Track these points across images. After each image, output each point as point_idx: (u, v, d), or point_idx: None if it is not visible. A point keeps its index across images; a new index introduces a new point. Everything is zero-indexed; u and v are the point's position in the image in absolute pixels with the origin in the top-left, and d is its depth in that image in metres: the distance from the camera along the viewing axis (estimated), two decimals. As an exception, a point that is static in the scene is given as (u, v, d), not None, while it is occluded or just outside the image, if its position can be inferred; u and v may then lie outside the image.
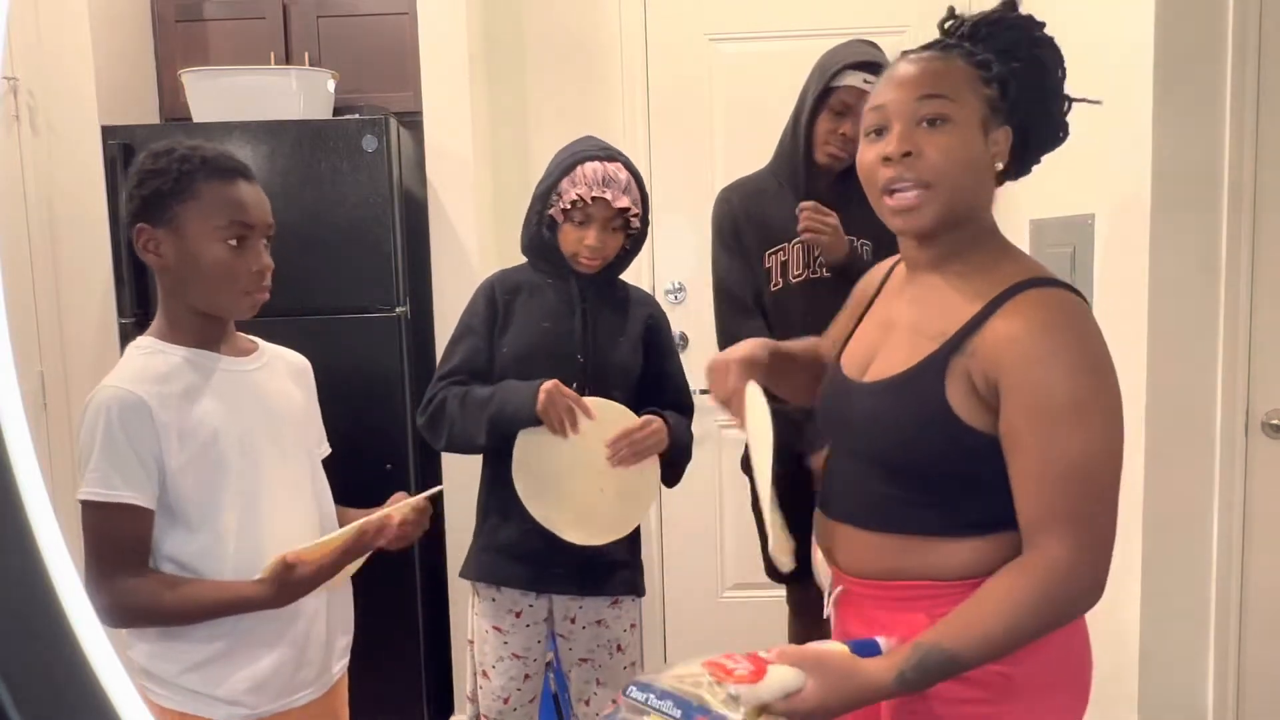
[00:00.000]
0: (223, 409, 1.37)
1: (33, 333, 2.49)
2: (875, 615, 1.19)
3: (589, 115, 2.99)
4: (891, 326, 1.24)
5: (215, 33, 2.81)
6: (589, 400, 1.75)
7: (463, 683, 2.77)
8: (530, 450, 1.74)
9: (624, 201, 1.79)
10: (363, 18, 2.79)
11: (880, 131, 1.16)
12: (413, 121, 2.71)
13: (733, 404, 1.36)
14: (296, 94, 2.57)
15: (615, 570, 1.92)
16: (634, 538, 1.96)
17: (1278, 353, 1.95)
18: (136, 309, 2.43)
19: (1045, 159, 1.30)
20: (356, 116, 2.54)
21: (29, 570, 0.40)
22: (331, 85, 2.65)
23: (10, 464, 0.40)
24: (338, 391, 2.54)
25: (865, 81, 2.06)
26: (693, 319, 3.01)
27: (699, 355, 3.02)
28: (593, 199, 1.78)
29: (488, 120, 2.89)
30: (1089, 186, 2.21)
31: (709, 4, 2.97)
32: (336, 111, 2.69)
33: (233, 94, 2.54)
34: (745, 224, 2.23)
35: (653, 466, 1.85)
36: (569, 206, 1.80)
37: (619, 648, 1.95)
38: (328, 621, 1.46)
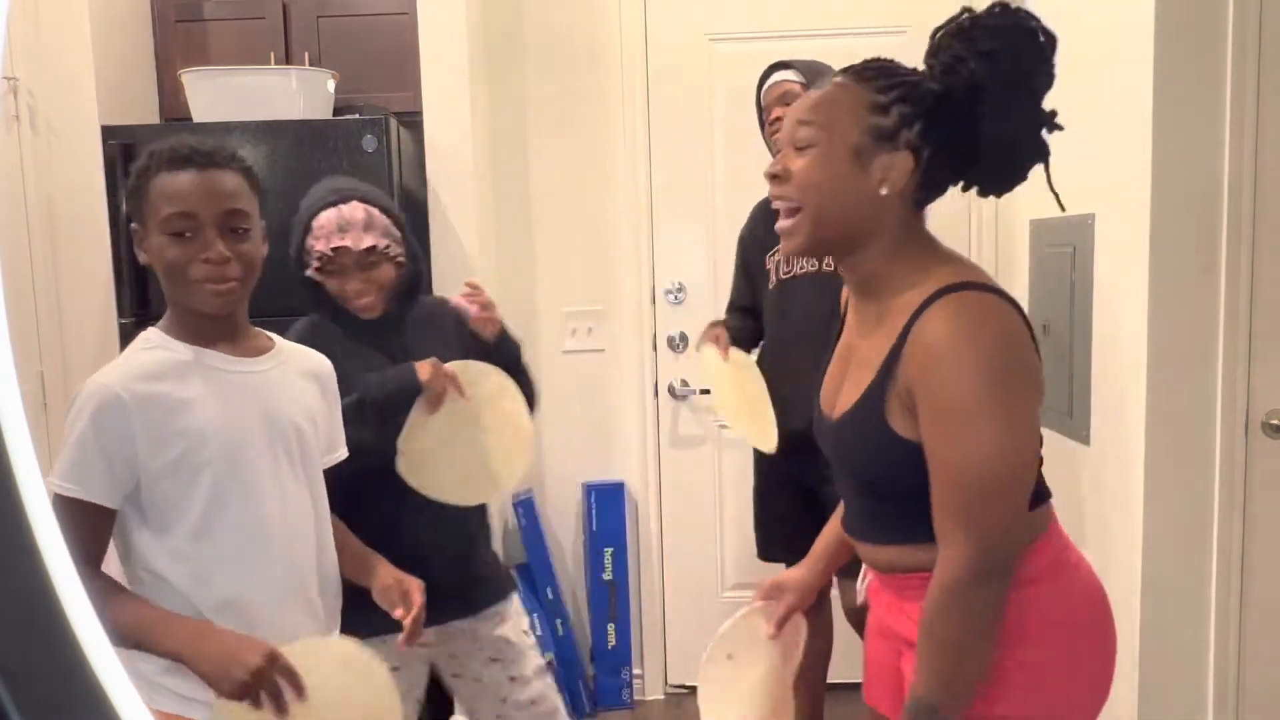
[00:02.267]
0: (215, 412, 1.33)
1: (33, 333, 2.49)
2: (889, 600, 1.31)
3: (588, 115, 2.99)
4: (849, 358, 1.30)
5: (215, 33, 2.81)
6: (451, 366, 1.75)
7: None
8: (410, 434, 1.72)
9: (367, 241, 1.71)
10: (363, 18, 2.79)
11: (778, 153, 1.26)
12: (413, 121, 2.71)
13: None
14: (296, 94, 2.57)
15: (478, 583, 1.88)
16: (482, 542, 1.93)
17: (1278, 353, 1.95)
18: (136, 309, 2.43)
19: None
20: (356, 116, 2.54)
21: (29, 570, 0.40)
22: (331, 85, 2.65)
23: (10, 464, 0.40)
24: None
25: (787, 80, 2.27)
26: (692, 319, 3.01)
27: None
28: (333, 250, 1.71)
29: (488, 120, 2.89)
30: (1089, 186, 2.21)
31: (709, 4, 2.97)
32: (336, 111, 2.69)
33: (233, 94, 2.54)
34: (751, 232, 2.45)
35: (522, 414, 1.83)
36: (318, 264, 1.74)
37: (513, 650, 1.89)
38: (325, 618, 1.45)
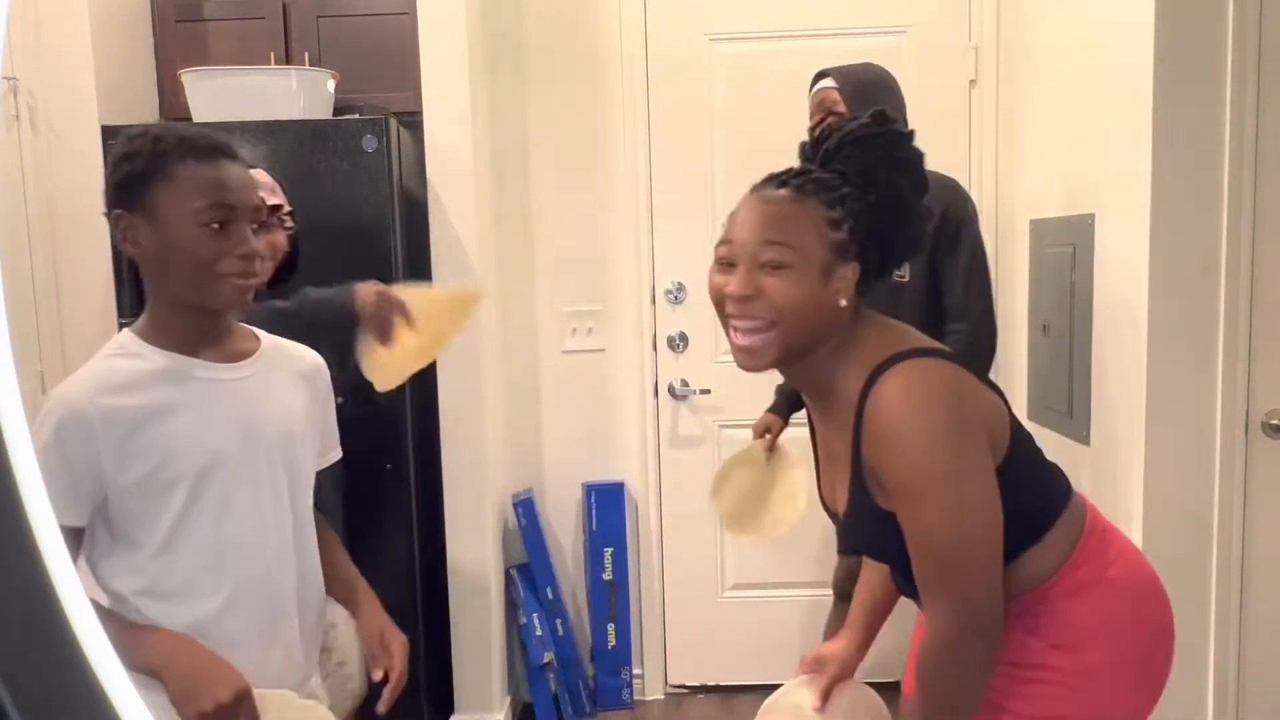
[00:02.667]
0: (190, 424, 1.25)
1: (33, 333, 2.49)
2: None
3: (588, 115, 2.99)
4: (832, 457, 1.33)
5: (215, 33, 2.81)
6: (403, 292, 1.67)
7: (463, 682, 2.77)
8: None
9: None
10: (363, 18, 2.79)
11: (730, 265, 1.23)
12: (413, 121, 2.71)
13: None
14: (296, 94, 2.57)
15: None
16: None
17: (1278, 353, 1.95)
18: (136, 309, 2.42)
19: (1044, 159, 1.33)
20: (356, 116, 2.54)
21: (29, 570, 0.40)
22: (331, 85, 2.65)
23: (10, 464, 0.40)
24: (338, 391, 2.55)
25: (825, 87, 2.23)
26: (692, 319, 3.01)
27: (699, 355, 3.02)
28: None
29: (488, 120, 2.89)
30: (1089, 186, 2.21)
31: (709, 4, 2.97)
32: (336, 111, 2.69)
33: (233, 94, 2.54)
34: None
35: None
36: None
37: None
38: (303, 647, 1.38)
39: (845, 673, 1.47)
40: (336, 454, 1.51)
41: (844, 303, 1.21)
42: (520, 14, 2.97)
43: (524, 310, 3.04)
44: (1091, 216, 2.20)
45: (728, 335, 1.26)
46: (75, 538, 1.22)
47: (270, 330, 1.45)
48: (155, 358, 1.26)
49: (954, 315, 2.20)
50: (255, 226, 1.29)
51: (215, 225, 1.23)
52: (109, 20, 2.65)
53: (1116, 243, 2.12)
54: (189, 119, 2.60)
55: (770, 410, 2.46)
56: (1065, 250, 2.34)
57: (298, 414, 1.38)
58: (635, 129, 2.97)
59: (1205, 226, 1.94)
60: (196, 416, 1.26)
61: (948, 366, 1.20)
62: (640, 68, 2.96)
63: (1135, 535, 2.01)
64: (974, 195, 2.95)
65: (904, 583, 1.33)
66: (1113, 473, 2.16)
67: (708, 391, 3.01)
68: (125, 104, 2.68)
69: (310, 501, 1.41)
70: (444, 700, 2.79)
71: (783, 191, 1.22)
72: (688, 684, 3.13)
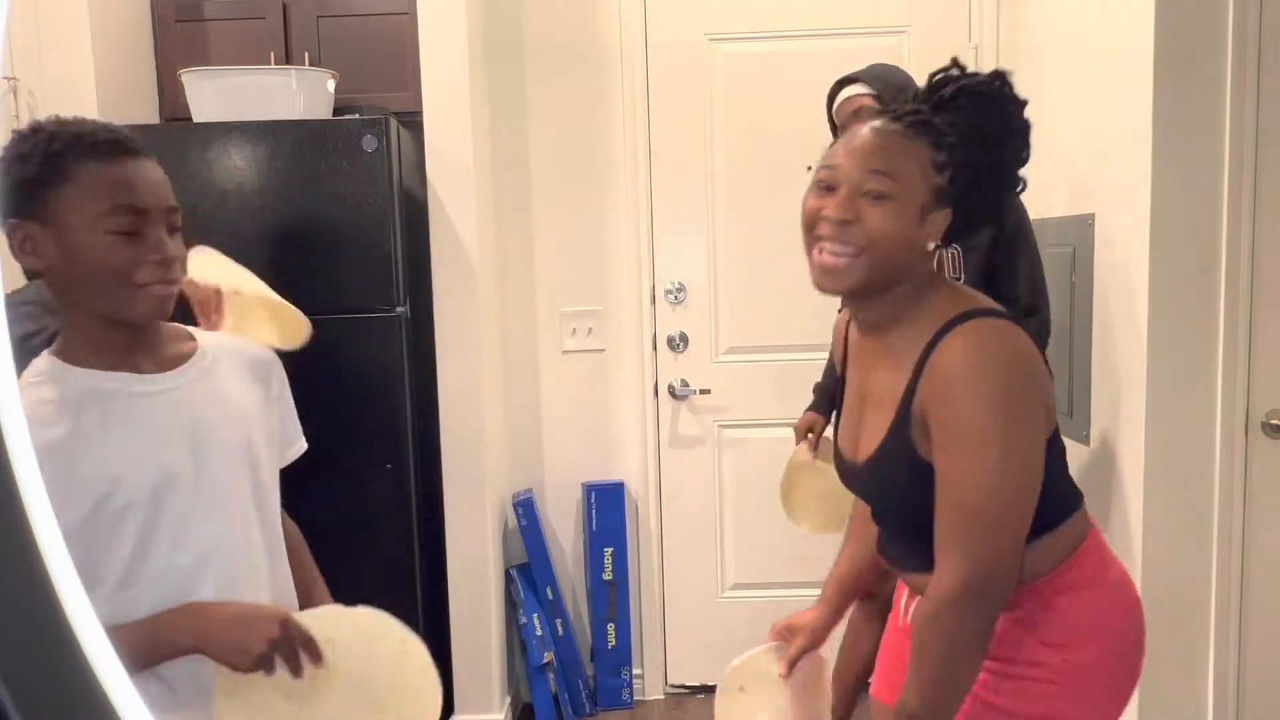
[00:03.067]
0: (130, 445, 1.14)
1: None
2: None
3: (589, 115, 2.99)
4: (864, 398, 1.32)
5: (215, 33, 2.81)
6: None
7: (463, 682, 2.77)
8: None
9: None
10: (363, 18, 2.79)
11: (828, 190, 1.23)
12: (413, 121, 2.71)
13: None
14: (296, 94, 2.57)
15: None
16: None
17: (1278, 353, 1.95)
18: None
19: (1045, 158, 1.33)
20: (356, 116, 2.54)
21: (29, 571, 0.40)
22: (331, 85, 2.65)
23: (10, 464, 0.40)
24: (338, 391, 2.55)
25: (860, 94, 2.18)
26: (692, 319, 3.01)
27: (699, 355, 3.02)
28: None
29: (488, 120, 2.89)
30: (1089, 186, 2.21)
31: (709, 4, 2.97)
32: (336, 111, 2.69)
33: (233, 94, 2.54)
34: None
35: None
36: None
37: None
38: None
39: (814, 644, 1.47)
40: (301, 445, 1.41)
41: (932, 246, 1.23)
42: (520, 14, 2.97)
43: (524, 310, 3.04)
44: (1091, 216, 2.20)
45: (810, 257, 1.25)
46: None
47: None
48: (79, 379, 1.14)
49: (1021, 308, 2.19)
50: (172, 229, 1.17)
51: (125, 231, 1.11)
52: (109, 20, 2.64)
53: (1116, 243, 2.12)
54: (189, 119, 2.60)
55: (811, 409, 2.46)
56: (1065, 250, 2.34)
57: (251, 413, 1.28)
58: (635, 129, 2.97)
59: (1205, 226, 1.94)
60: (138, 435, 1.15)
61: (1021, 333, 1.21)
62: (640, 67, 2.96)
63: (1135, 535, 2.01)
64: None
65: (900, 544, 1.33)
66: (1113, 473, 2.16)
67: (708, 391, 3.01)
68: (125, 104, 2.68)
69: (277, 502, 1.33)
70: (444, 700, 2.78)
71: (895, 125, 1.22)
72: (688, 684, 3.13)
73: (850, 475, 1.36)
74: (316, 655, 1.14)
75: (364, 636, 1.20)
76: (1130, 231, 2.02)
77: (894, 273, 1.23)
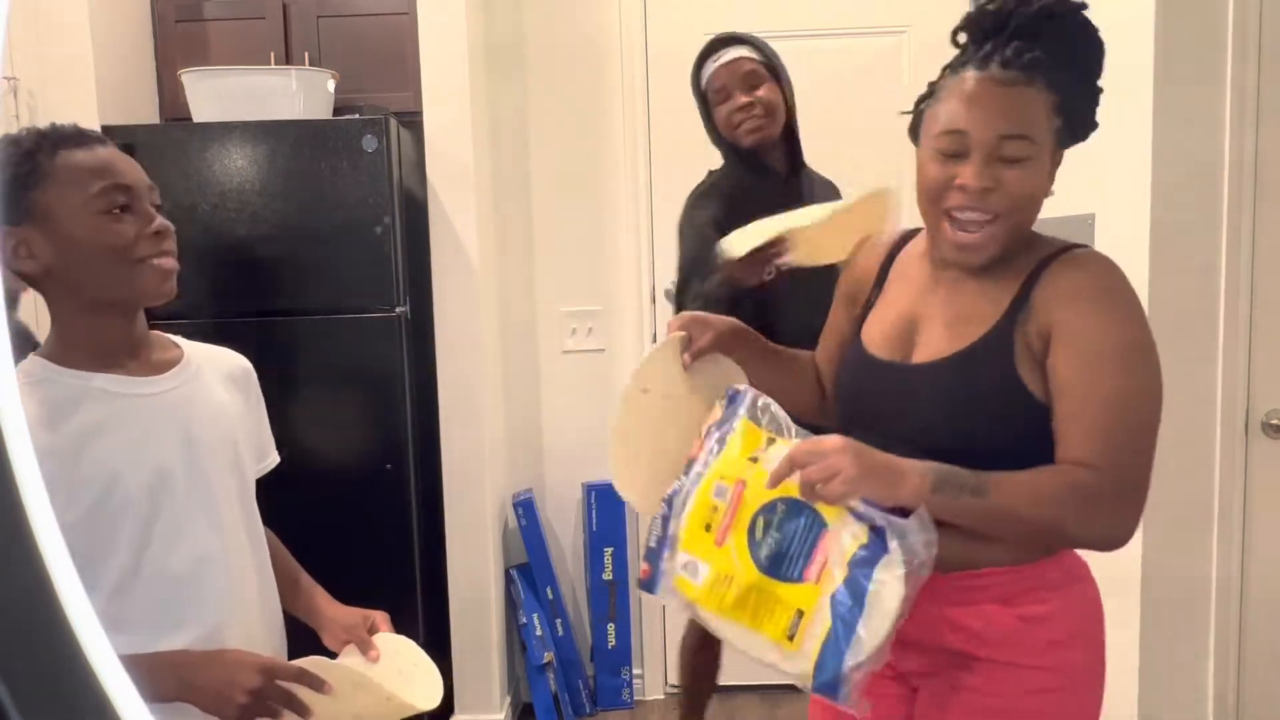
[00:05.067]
0: (126, 445, 1.14)
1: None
2: (946, 612, 1.18)
3: (589, 115, 2.99)
4: (922, 319, 1.24)
5: (215, 33, 2.81)
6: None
7: (463, 682, 2.77)
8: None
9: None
10: (363, 18, 2.79)
11: (956, 156, 1.14)
12: (413, 121, 2.71)
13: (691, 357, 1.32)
14: (296, 94, 2.57)
15: None
16: None
17: (1278, 353, 1.95)
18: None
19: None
20: (356, 116, 2.54)
21: (29, 570, 0.40)
22: (331, 85, 2.65)
23: (10, 464, 0.40)
24: (338, 391, 2.55)
25: (748, 58, 2.16)
26: (693, 319, 3.01)
27: (699, 355, 3.02)
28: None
29: (488, 120, 2.89)
30: (1089, 186, 2.20)
31: (709, 4, 2.97)
32: (336, 111, 2.69)
33: (233, 94, 2.54)
34: (726, 221, 2.20)
35: None
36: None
37: None
38: None
39: (716, 342, 1.32)
40: (274, 459, 1.41)
41: (1054, 191, 1.18)
42: (520, 14, 2.97)
43: (524, 310, 3.04)
44: (1091, 216, 2.20)
45: (938, 229, 1.18)
46: None
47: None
48: (73, 380, 1.14)
49: None
50: (156, 207, 1.19)
51: (116, 209, 1.13)
52: (109, 20, 2.65)
53: (1116, 243, 2.12)
54: (189, 119, 2.60)
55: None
56: (1065, 250, 2.34)
57: (235, 420, 1.29)
58: (635, 128, 2.97)
59: (1205, 226, 1.94)
60: (133, 433, 1.15)
61: None
62: (640, 67, 2.96)
63: (1135, 534, 2.01)
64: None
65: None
66: (1113, 473, 2.16)
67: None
68: (125, 104, 2.68)
69: (256, 509, 1.33)
70: (444, 700, 2.78)
71: (1013, 73, 1.13)
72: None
73: (882, 379, 1.24)
74: (317, 684, 1.13)
75: (351, 686, 1.18)
76: (1130, 231, 2.02)
77: (1026, 230, 1.19)
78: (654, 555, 1.15)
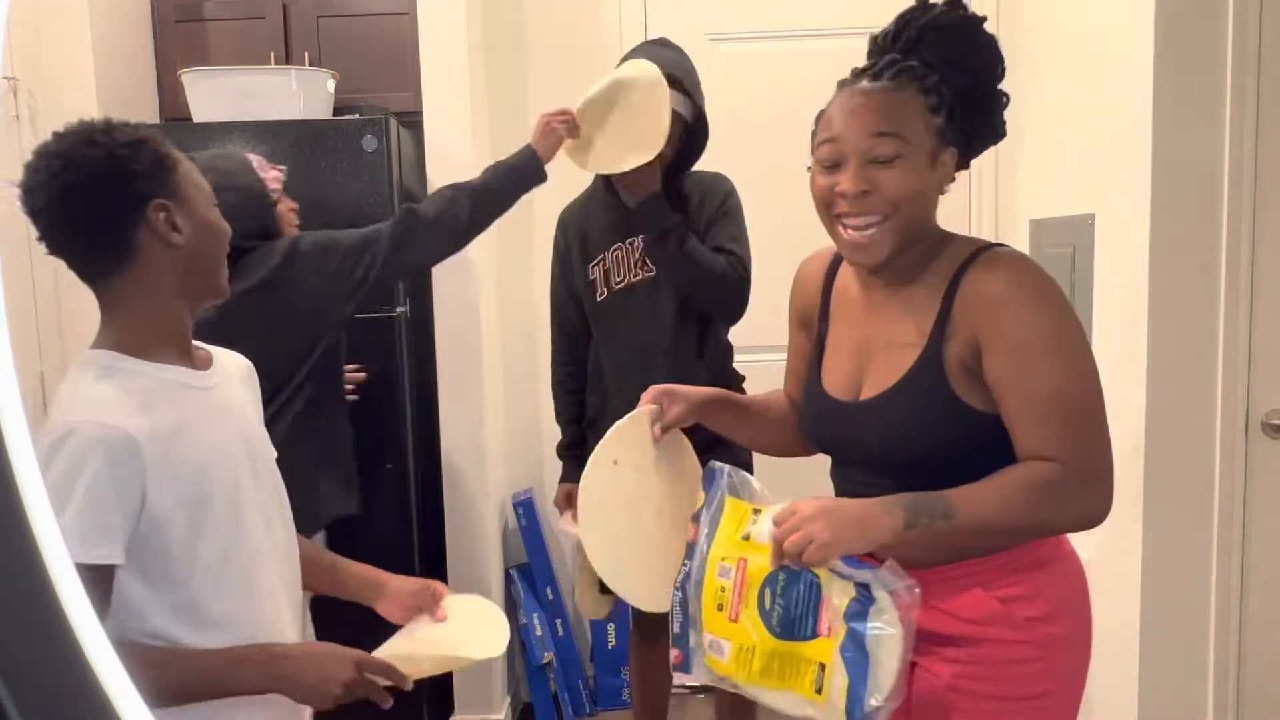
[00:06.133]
0: (204, 436, 1.16)
1: (33, 333, 2.49)
2: (932, 602, 1.23)
3: (589, 115, 2.99)
4: (867, 346, 1.29)
5: (215, 33, 2.81)
6: None
7: (463, 682, 2.77)
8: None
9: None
10: (363, 18, 2.79)
11: (836, 165, 1.22)
12: (413, 121, 2.71)
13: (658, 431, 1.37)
14: (296, 94, 2.57)
15: None
16: None
17: (1278, 353, 1.95)
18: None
19: (1045, 158, 1.33)
20: (356, 116, 2.54)
21: (29, 570, 0.40)
22: (331, 85, 2.65)
23: (10, 464, 0.40)
24: (338, 391, 2.55)
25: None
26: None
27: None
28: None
29: (488, 120, 2.89)
30: (1089, 186, 2.21)
31: (709, 4, 2.97)
32: (336, 111, 2.69)
33: (233, 94, 2.54)
34: (572, 241, 2.32)
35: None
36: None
37: None
38: None
39: (685, 415, 1.38)
40: (272, 455, 1.41)
41: (947, 189, 1.24)
42: (520, 14, 2.97)
43: (524, 310, 3.04)
44: (1091, 216, 2.20)
45: (835, 235, 1.25)
46: (112, 577, 1.08)
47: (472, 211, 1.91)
48: (149, 370, 1.15)
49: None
50: None
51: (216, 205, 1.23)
52: (109, 20, 2.65)
53: (1116, 243, 2.12)
54: (189, 119, 2.61)
55: (568, 480, 2.31)
56: (1065, 250, 2.34)
57: (255, 413, 1.33)
58: (635, 129, 2.96)
59: (1205, 226, 1.94)
60: (206, 425, 1.18)
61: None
62: (640, 68, 2.95)
63: (1135, 534, 2.01)
64: (973, 195, 2.96)
65: (889, 476, 1.24)
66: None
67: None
68: (125, 104, 2.68)
69: (285, 492, 1.37)
70: (444, 700, 2.79)
71: (881, 83, 1.21)
72: (688, 684, 3.13)
73: (849, 417, 1.28)
74: (401, 679, 1.22)
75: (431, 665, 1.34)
76: (1130, 231, 2.02)
77: (919, 227, 1.23)
78: (681, 640, 1.24)
